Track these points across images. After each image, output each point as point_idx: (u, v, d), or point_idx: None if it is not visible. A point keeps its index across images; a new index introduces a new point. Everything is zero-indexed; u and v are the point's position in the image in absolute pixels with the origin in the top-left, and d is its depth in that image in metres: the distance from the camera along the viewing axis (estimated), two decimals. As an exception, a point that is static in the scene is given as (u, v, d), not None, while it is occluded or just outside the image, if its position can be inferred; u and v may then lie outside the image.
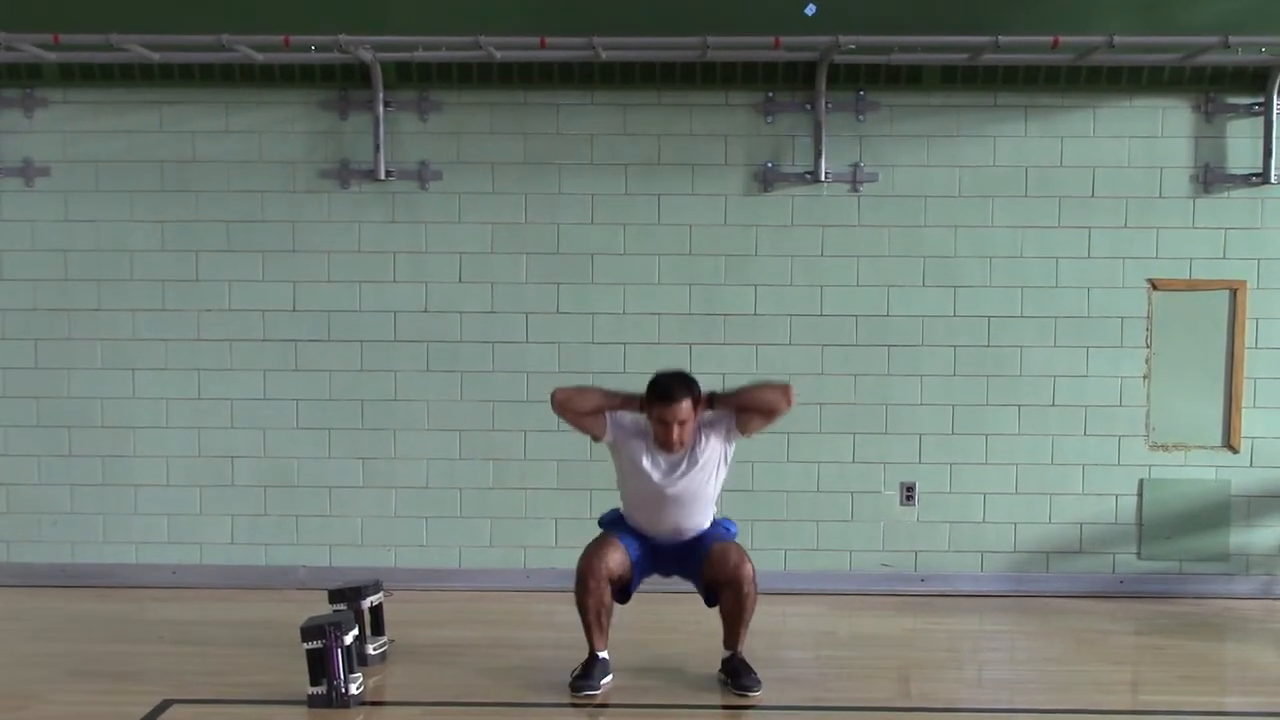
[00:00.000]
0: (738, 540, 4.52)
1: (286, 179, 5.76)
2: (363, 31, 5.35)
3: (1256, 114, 5.64)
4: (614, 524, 4.56)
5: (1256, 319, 5.69)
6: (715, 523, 4.57)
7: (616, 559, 4.37)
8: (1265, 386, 5.71)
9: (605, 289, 5.73)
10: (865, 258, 5.72)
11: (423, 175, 5.74)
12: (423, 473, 5.82)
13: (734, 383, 5.43)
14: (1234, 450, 5.74)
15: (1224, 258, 5.68)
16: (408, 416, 5.80)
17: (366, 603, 4.67)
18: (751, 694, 4.35)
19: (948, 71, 5.60)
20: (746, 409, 4.48)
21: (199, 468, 5.83)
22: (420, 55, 5.49)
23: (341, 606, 4.58)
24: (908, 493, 5.79)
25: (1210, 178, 5.66)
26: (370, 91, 5.64)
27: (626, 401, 4.49)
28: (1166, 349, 5.72)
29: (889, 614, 5.45)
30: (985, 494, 5.78)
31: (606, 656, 4.43)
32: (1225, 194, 5.68)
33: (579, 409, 4.47)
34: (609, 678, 4.42)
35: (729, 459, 4.53)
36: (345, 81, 5.69)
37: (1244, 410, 5.71)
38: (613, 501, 4.67)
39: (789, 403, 4.49)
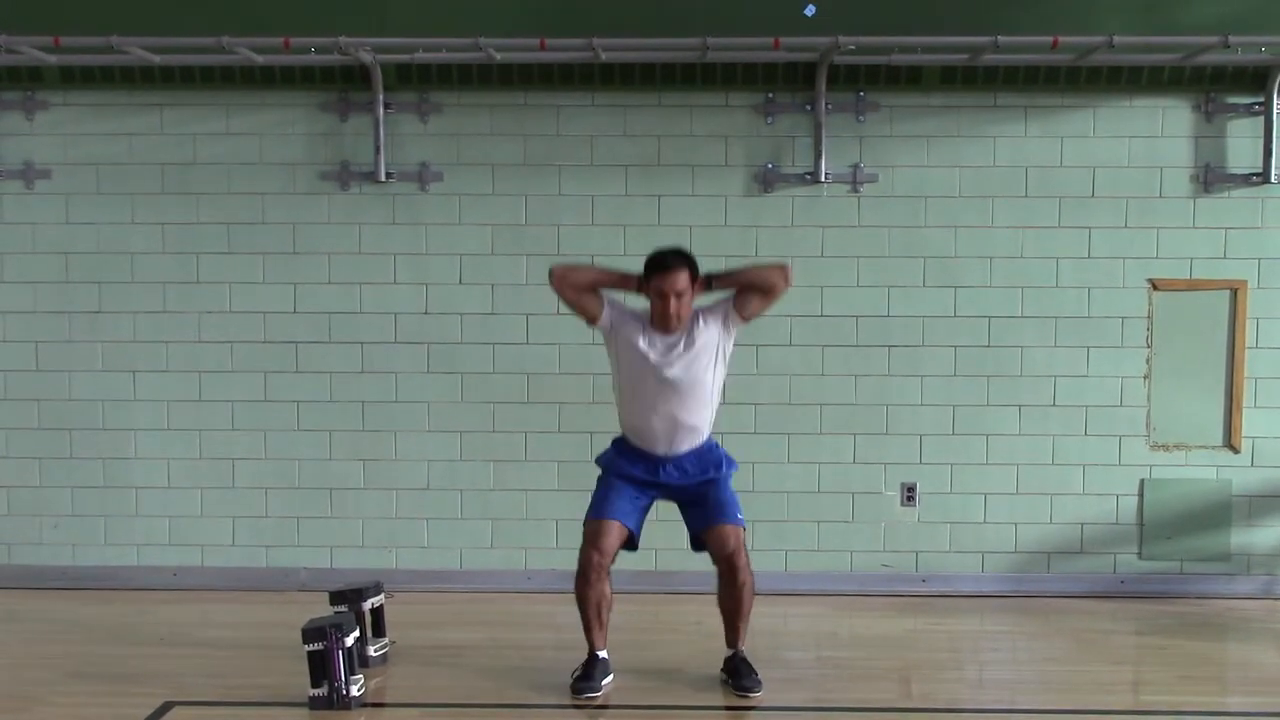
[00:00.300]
0: (737, 471, 4.53)
1: (287, 181, 5.76)
2: (363, 33, 5.35)
3: (1256, 114, 5.64)
4: (610, 467, 4.50)
5: (1257, 319, 5.69)
6: (714, 444, 4.50)
7: (614, 541, 4.35)
8: (1266, 386, 5.71)
9: (605, 290, 5.74)
10: (865, 258, 5.72)
11: (423, 177, 5.74)
12: (423, 474, 5.82)
13: (734, 386, 5.46)
14: (1235, 450, 5.74)
15: (1224, 257, 5.68)
16: (408, 418, 5.80)
17: (367, 604, 4.67)
18: (752, 695, 4.35)
19: (947, 72, 5.60)
20: (744, 288, 4.45)
21: (200, 470, 5.83)
22: (420, 57, 5.49)
23: (342, 608, 4.58)
24: (908, 493, 5.79)
25: (1210, 177, 5.66)
26: (370, 93, 5.65)
27: (624, 279, 4.48)
28: (1167, 349, 5.72)
29: (890, 615, 5.45)
30: (986, 494, 5.78)
31: (606, 656, 4.43)
32: (1225, 194, 5.68)
33: (577, 283, 4.44)
34: (610, 678, 4.42)
35: (728, 353, 4.49)
36: (345, 83, 5.70)
37: (1245, 410, 5.71)
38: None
39: (787, 281, 4.46)
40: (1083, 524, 5.78)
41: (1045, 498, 5.77)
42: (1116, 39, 5.12)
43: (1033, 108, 5.67)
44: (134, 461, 5.83)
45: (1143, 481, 5.77)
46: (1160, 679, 4.74)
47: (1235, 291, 5.69)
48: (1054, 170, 5.69)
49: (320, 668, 4.17)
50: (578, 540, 4.46)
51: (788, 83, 5.66)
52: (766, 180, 5.72)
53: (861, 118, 5.69)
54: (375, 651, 4.68)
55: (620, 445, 4.54)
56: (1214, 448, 5.75)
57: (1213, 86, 5.63)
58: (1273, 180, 5.60)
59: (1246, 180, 5.65)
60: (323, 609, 4.60)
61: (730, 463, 4.53)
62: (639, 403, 4.43)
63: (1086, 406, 5.73)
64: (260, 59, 5.43)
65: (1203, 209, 5.68)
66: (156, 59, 5.46)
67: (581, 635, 4.44)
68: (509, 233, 5.75)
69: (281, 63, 5.55)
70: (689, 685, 4.50)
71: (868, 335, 5.74)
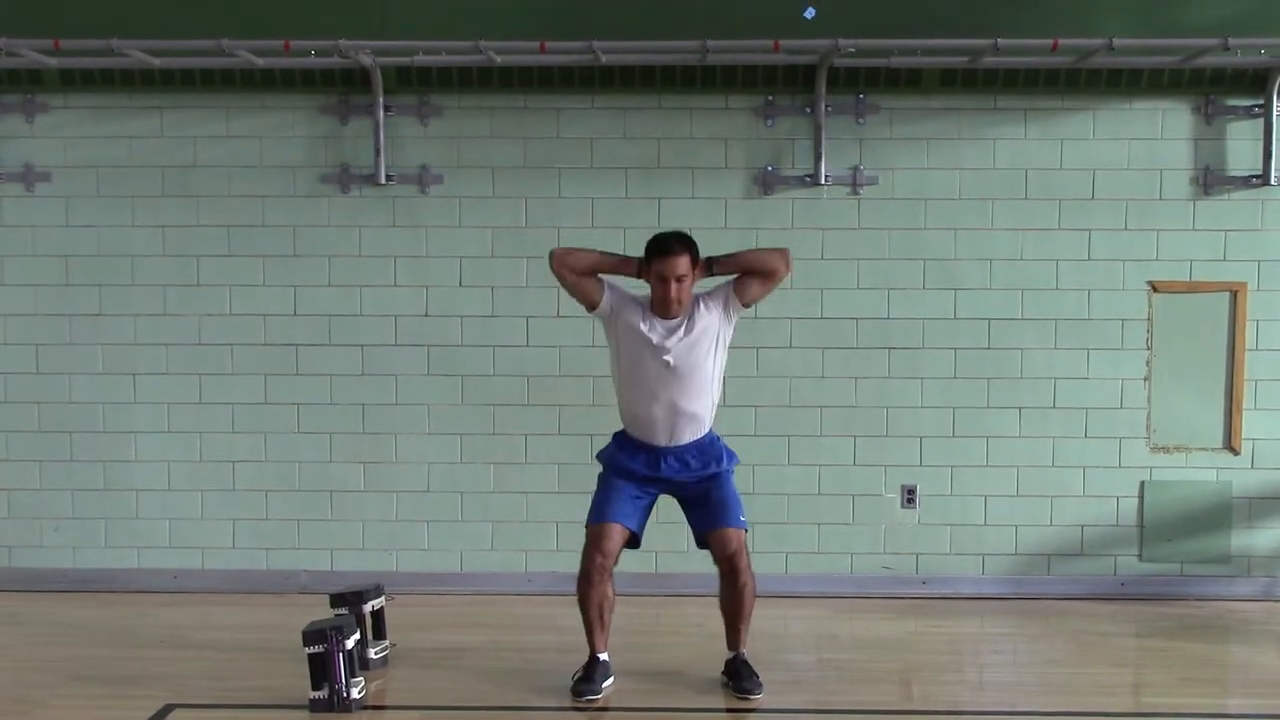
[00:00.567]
0: (739, 465, 4.52)
1: (287, 183, 5.76)
2: (363, 36, 5.35)
3: (1256, 116, 5.65)
4: (612, 464, 4.49)
5: (1257, 321, 5.69)
6: (715, 438, 4.49)
7: (616, 543, 4.35)
8: (1266, 388, 5.71)
9: (606, 292, 5.74)
10: (865, 260, 5.72)
11: (423, 179, 5.74)
12: (424, 476, 5.82)
13: (735, 387, 5.47)
14: (1235, 452, 5.74)
15: (1224, 259, 5.68)
16: (408, 420, 5.80)
17: (368, 607, 4.67)
18: (753, 697, 4.35)
19: (947, 74, 5.61)
20: (745, 272, 4.44)
21: (200, 472, 5.83)
22: (420, 60, 5.49)
23: (343, 610, 4.58)
24: (909, 495, 5.79)
25: (1210, 180, 5.66)
26: (370, 96, 5.65)
27: (624, 263, 4.46)
28: (1167, 351, 5.72)
29: (890, 617, 5.45)
30: (986, 496, 5.78)
31: (607, 659, 4.43)
32: (1225, 196, 5.68)
33: (576, 266, 4.42)
34: (610, 681, 4.42)
35: (728, 340, 4.47)
36: (345, 86, 5.70)
37: (1245, 412, 5.71)
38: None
39: (787, 266, 4.45)
40: (1083, 526, 5.78)
41: (1045, 500, 5.77)
42: (1116, 41, 5.12)
43: (1032, 110, 5.68)
44: (134, 464, 5.83)
45: (1143, 483, 5.77)
46: (1161, 681, 4.74)
47: (1235, 293, 5.69)
48: (1054, 172, 5.69)
49: (321, 670, 4.17)
50: (578, 542, 4.46)
51: (787, 85, 5.67)
52: (766, 183, 5.72)
53: (861, 120, 5.70)
54: (376, 654, 4.68)
55: (621, 439, 4.53)
56: (1214, 450, 5.75)
57: (1212, 89, 5.64)
58: (1272, 182, 5.60)
59: (1246, 182, 5.66)
60: (323, 611, 4.59)
61: (731, 456, 4.52)
62: (639, 390, 4.40)
63: (1086, 409, 5.74)
64: (260, 62, 5.43)
65: (1202, 211, 5.68)
66: (156, 62, 5.46)
67: (582, 638, 4.44)
68: (509, 235, 5.75)
69: (282, 65, 5.55)
70: (690, 688, 4.49)
71: (868, 337, 5.74)
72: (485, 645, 5.01)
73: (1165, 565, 5.79)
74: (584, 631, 4.43)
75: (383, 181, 5.69)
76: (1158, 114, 5.67)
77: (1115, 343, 5.72)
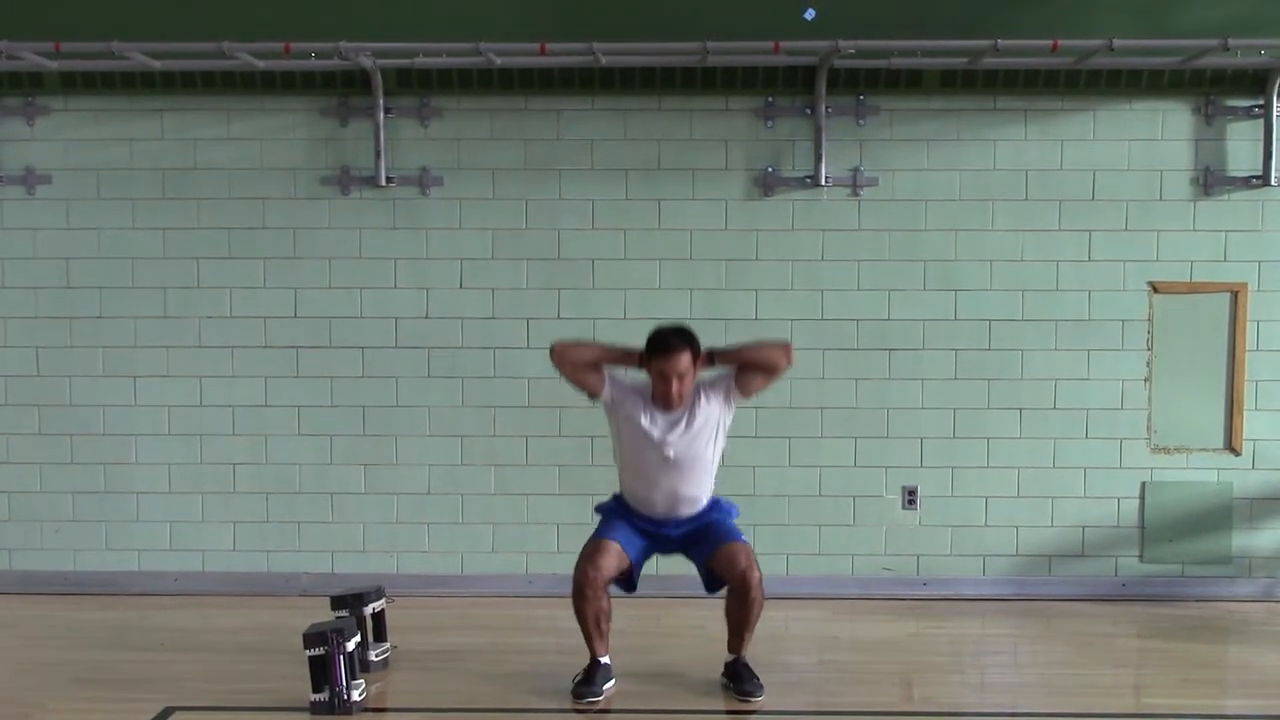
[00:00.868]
0: (738, 525, 4.50)
1: (287, 185, 5.77)
2: (363, 38, 5.35)
3: (1256, 116, 5.64)
4: (612, 511, 4.53)
5: (1257, 321, 5.69)
6: (715, 501, 4.53)
7: (612, 563, 4.36)
8: (1267, 389, 5.71)
9: (606, 294, 5.74)
10: (866, 261, 5.72)
11: (423, 181, 5.74)
12: (424, 479, 5.82)
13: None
14: (1236, 453, 5.74)
15: (1225, 260, 5.68)
16: (409, 422, 5.80)
17: (369, 609, 4.67)
18: (754, 699, 4.35)
19: (947, 75, 5.61)
20: (746, 366, 4.46)
21: (201, 474, 5.83)
22: (420, 62, 5.49)
23: (344, 613, 4.58)
24: (909, 496, 5.78)
25: (1210, 180, 5.66)
26: (371, 98, 5.65)
27: (626, 356, 4.48)
28: (1168, 352, 5.72)
29: (891, 618, 5.45)
30: (987, 497, 5.78)
31: (608, 662, 4.43)
32: (1225, 196, 5.68)
33: (577, 360, 4.45)
34: (611, 683, 4.42)
35: (728, 426, 4.50)
36: (346, 88, 5.70)
37: (1246, 412, 5.71)
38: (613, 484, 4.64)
39: (789, 361, 4.47)
40: (1084, 527, 5.78)
41: (1046, 501, 5.77)
42: (1116, 42, 5.13)
43: (1032, 111, 5.68)
44: (135, 466, 5.83)
45: (1144, 484, 5.77)
46: (1162, 682, 4.74)
47: (1235, 294, 5.69)
48: (1054, 173, 5.69)
49: (321, 672, 4.17)
50: (579, 544, 4.46)
51: (788, 86, 5.67)
52: (766, 184, 5.72)
53: (861, 121, 5.70)
54: (376, 656, 4.68)
55: (621, 501, 4.58)
56: (1215, 450, 5.75)
57: (1212, 89, 5.64)
58: (1273, 183, 5.60)
59: (1246, 183, 5.66)
60: (324, 614, 4.59)
61: (732, 507, 4.57)
62: (640, 476, 4.46)
63: (1087, 409, 5.73)
64: (261, 64, 5.44)
65: (1203, 212, 5.68)
66: (157, 64, 5.46)
67: (583, 640, 4.43)
68: (509, 237, 5.75)
69: (282, 68, 5.55)
70: (691, 690, 4.49)
71: (868, 338, 5.74)
72: (486, 647, 5.01)
73: (1166, 566, 5.78)
74: (584, 639, 4.42)
75: (383, 183, 5.70)
76: (1158, 115, 5.67)
77: (1116, 344, 5.72)
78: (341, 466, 5.82)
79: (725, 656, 4.49)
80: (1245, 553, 5.76)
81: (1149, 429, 5.75)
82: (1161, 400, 5.73)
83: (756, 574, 4.34)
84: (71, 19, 5.42)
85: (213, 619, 5.45)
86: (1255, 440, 5.73)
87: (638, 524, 4.49)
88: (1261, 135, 5.62)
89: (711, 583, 4.50)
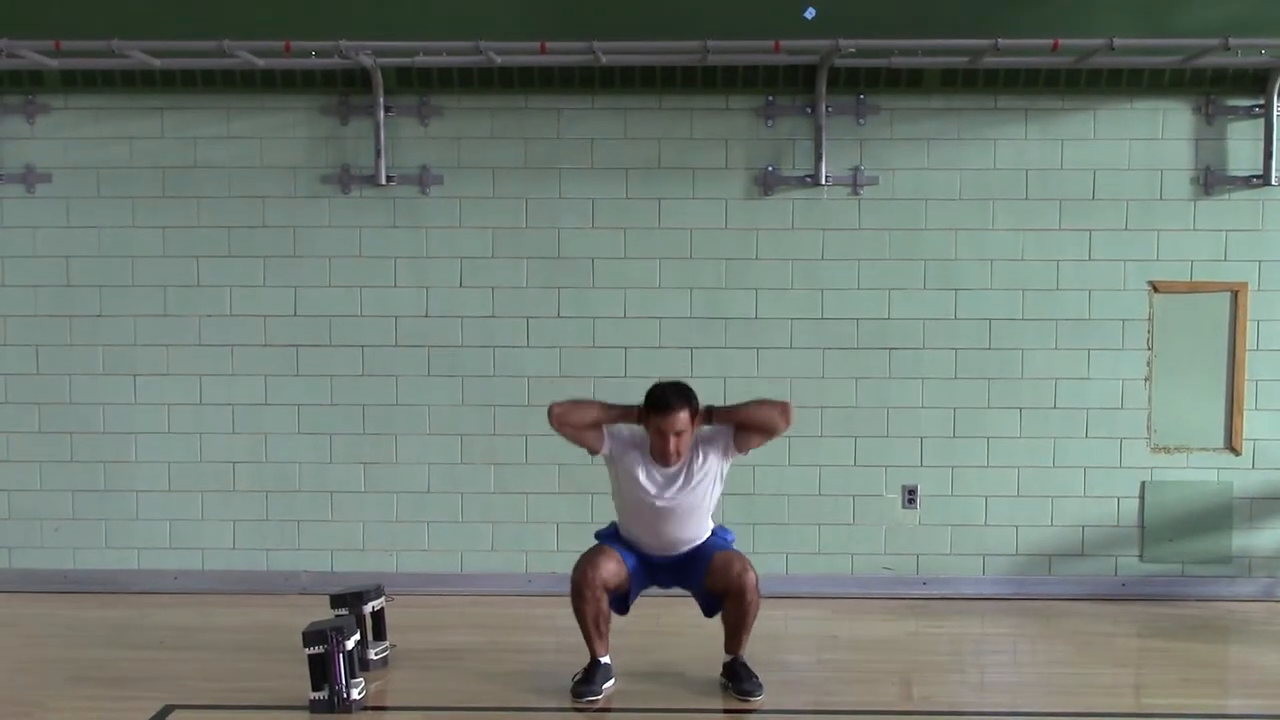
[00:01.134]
0: (735, 547, 4.51)
1: (287, 184, 5.76)
2: (363, 37, 5.35)
3: (1257, 116, 5.64)
4: (611, 539, 4.55)
5: (1258, 321, 5.69)
6: (714, 531, 4.56)
7: (612, 569, 4.37)
8: (1267, 388, 5.71)
9: (606, 293, 5.74)
10: (866, 261, 5.72)
11: (423, 180, 5.74)
12: (424, 477, 5.82)
13: (735, 388, 5.47)
14: (1236, 452, 5.73)
15: (1225, 260, 5.68)
16: (409, 421, 5.80)
17: (368, 607, 4.67)
18: (753, 699, 4.35)
19: (948, 75, 5.60)
20: (744, 426, 4.46)
21: (200, 473, 5.83)
22: (421, 60, 5.49)
23: (343, 611, 4.58)
24: (909, 496, 5.78)
25: (1211, 180, 5.66)
26: (371, 96, 5.65)
27: (624, 414, 4.47)
28: (1168, 351, 5.72)
29: (891, 617, 5.45)
30: (987, 497, 5.78)
31: (608, 662, 4.43)
32: (1226, 196, 5.68)
33: (576, 423, 4.45)
34: (611, 682, 4.42)
35: (724, 475, 4.52)
36: (346, 87, 5.70)
37: (1246, 412, 5.71)
38: (612, 507, 4.66)
39: (787, 422, 4.47)
40: (1084, 526, 5.78)
41: (1046, 500, 5.77)
42: (1117, 41, 5.12)
43: (1033, 110, 5.68)
44: (134, 465, 5.83)
45: (1144, 484, 5.76)
46: (1162, 681, 4.74)
47: (1236, 293, 5.69)
48: (1054, 173, 5.69)
49: (321, 671, 4.17)
50: (578, 543, 4.47)
51: (788, 85, 5.66)
52: (767, 183, 5.72)
53: (862, 120, 5.69)
54: (376, 655, 4.68)
55: (619, 531, 4.58)
56: (1215, 450, 5.75)
57: (1213, 89, 5.63)
58: (1273, 182, 5.60)
59: (1247, 182, 5.65)
60: (323, 612, 4.59)
61: (728, 533, 4.59)
62: (638, 523, 4.48)
63: (1087, 409, 5.73)
64: (261, 63, 5.43)
65: (1203, 211, 5.68)
66: (157, 63, 5.46)
67: (582, 639, 4.43)
68: (509, 236, 5.75)
69: (282, 66, 5.55)
70: (689, 689, 4.49)
71: (868, 338, 5.74)
72: (485, 646, 5.01)
73: (1166, 566, 5.78)
74: (583, 639, 4.43)
75: (383, 182, 5.69)
76: (1158, 114, 5.67)
77: (1116, 343, 5.71)
78: (341, 465, 5.82)
79: (723, 657, 4.49)
80: (1245, 552, 5.76)
81: (1149, 428, 5.75)
82: (1161, 400, 5.73)
83: (752, 576, 4.34)
84: (72, 17, 5.41)
85: (212, 617, 5.46)
86: (1255, 440, 5.73)
87: (636, 551, 4.51)
88: (1262, 135, 5.62)
89: (710, 605, 4.51)
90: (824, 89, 5.59)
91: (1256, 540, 5.76)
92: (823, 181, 5.66)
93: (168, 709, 4.24)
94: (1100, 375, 5.72)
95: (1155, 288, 5.71)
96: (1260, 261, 5.67)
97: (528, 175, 5.73)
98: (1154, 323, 5.71)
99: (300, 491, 5.82)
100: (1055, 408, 5.73)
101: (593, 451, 4.51)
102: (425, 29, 5.43)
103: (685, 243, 5.74)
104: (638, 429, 4.47)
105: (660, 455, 4.38)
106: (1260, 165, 5.62)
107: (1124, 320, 5.71)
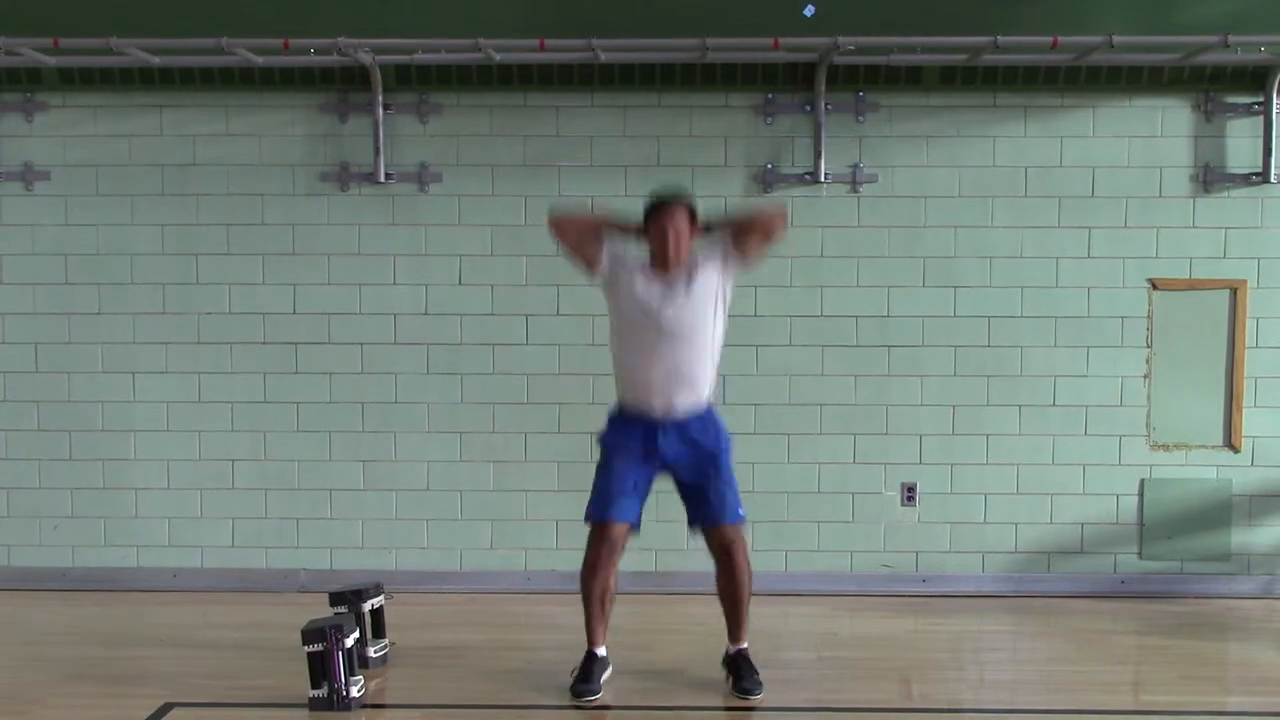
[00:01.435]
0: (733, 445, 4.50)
1: (286, 182, 5.76)
2: (362, 34, 5.35)
3: (1256, 113, 5.64)
4: (611, 447, 4.44)
5: (1257, 318, 5.69)
6: (714, 418, 4.44)
7: (620, 537, 4.37)
8: (1266, 386, 5.71)
9: (605, 291, 5.73)
10: (865, 258, 5.72)
11: (422, 178, 5.74)
12: (423, 475, 5.82)
13: (735, 387, 5.47)
14: (1235, 450, 5.74)
15: (1224, 257, 5.68)
16: (408, 419, 5.80)
17: (367, 605, 4.67)
18: (753, 696, 4.34)
19: (947, 72, 5.60)
20: (742, 228, 4.46)
21: (199, 471, 5.83)
22: (420, 58, 5.49)
23: (342, 609, 4.58)
24: (908, 493, 5.78)
25: (1210, 177, 5.66)
26: (370, 94, 5.64)
27: (624, 228, 4.49)
28: (1167, 349, 5.72)
29: (890, 615, 5.45)
30: (986, 494, 5.78)
31: (604, 654, 4.44)
32: (1225, 193, 5.67)
33: (578, 225, 4.47)
34: (609, 672, 4.43)
35: (729, 299, 4.46)
36: (345, 84, 5.69)
37: (1245, 409, 5.71)
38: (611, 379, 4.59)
39: (784, 220, 4.53)
40: (1083, 524, 5.78)
41: (1045, 498, 5.77)
42: (1116, 39, 5.12)
43: (1032, 107, 5.67)
44: (133, 463, 5.83)
45: (1143, 481, 5.76)
46: (1161, 679, 4.74)
47: (1235, 291, 5.69)
48: (1053, 170, 5.68)
49: (320, 669, 4.17)
50: (578, 541, 4.46)
51: (787, 83, 5.66)
52: (766, 181, 5.72)
53: (861, 118, 5.69)
54: (375, 652, 4.68)
55: (616, 419, 4.49)
56: (1214, 447, 5.75)
57: (1212, 86, 5.63)
58: (1272, 180, 5.60)
59: (1246, 180, 5.65)
60: (322, 610, 4.59)
61: (728, 438, 4.49)
62: (638, 352, 4.37)
63: (1086, 406, 5.73)
64: (260, 60, 5.43)
65: (1202, 209, 5.68)
66: (156, 60, 5.46)
67: (581, 636, 4.44)
68: (509, 234, 5.74)
69: (281, 64, 5.54)
70: (689, 686, 4.49)
71: (867, 335, 5.74)
72: (484, 644, 5.01)
73: (1165, 563, 5.78)
74: (584, 626, 4.43)
75: (382, 180, 5.69)
76: (1158, 111, 5.66)
77: (1115, 340, 5.71)
78: (340, 463, 5.81)
79: (727, 647, 4.49)
80: (1244, 549, 5.76)
81: (1148, 426, 5.75)
82: (1161, 397, 5.73)
83: (741, 547, 4.37)
84: (70, 15, 5.41)
85: (211, 615, 5.46)
86: (1254, 437, 5.73)
87: (636, 449, 4.40)
88: (1261, 132, 5.61)
89: (693, 529, 4.49)
90: (823, 86, 5.58)
91: (1255, 538, 5.76)
92: (822, 179, 5.66)
93: (167, 707, 4.24)
94: (1099, 372, 5.72)
95: (1154, 285, 5.71)
96: (1259, 259, 5.67)
97: (527, 173, 5.73)
98: (1153, 320, 5.71)
99: (299, 489, 5.82)
100: (1054, 405, 5.73)
101: (591, 266, 4.44)
102: (424, 27, 5.43)
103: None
104: (637, 251, 4.44)
105: (660, 257, 4.34)
106: (1260, 163, 5.62)
107: (1123, 318, 5.71)
